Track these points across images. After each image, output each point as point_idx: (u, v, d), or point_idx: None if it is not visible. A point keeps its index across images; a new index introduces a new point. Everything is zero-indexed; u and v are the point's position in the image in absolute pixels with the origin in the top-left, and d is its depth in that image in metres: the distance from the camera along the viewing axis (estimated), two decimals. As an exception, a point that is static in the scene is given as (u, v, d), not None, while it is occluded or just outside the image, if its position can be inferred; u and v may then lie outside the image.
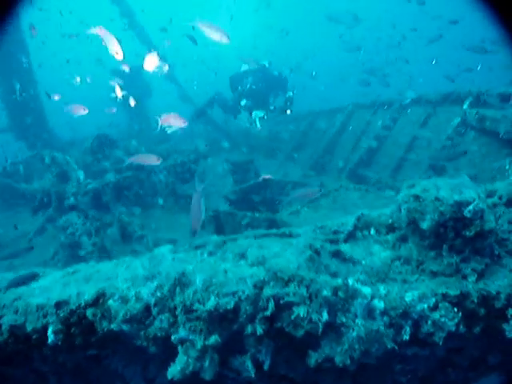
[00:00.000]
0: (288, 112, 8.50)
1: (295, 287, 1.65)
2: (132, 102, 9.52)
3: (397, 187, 7.41)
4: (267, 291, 1.66)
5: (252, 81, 8.28)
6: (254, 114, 8.26)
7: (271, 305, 1.60)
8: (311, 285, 1.67)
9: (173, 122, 5.51)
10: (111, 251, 6.77)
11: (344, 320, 1.70)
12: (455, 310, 2.04)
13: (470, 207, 2.02)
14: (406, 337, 2.03)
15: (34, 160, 9.98)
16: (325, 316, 1.66)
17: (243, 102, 8.31)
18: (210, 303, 1.63)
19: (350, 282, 1.81)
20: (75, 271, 2.16)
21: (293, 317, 1.61)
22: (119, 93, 5.67)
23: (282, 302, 1.65)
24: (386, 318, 1.98)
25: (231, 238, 2.81)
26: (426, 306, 2.06)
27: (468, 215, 2.03)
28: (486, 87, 6.63)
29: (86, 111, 7.05)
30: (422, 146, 7.61)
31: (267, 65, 8.64)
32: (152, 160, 5.82)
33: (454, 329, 2.03)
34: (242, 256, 1.92)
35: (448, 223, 2.09)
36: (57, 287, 2.02)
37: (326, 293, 1.69)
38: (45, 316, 1.87)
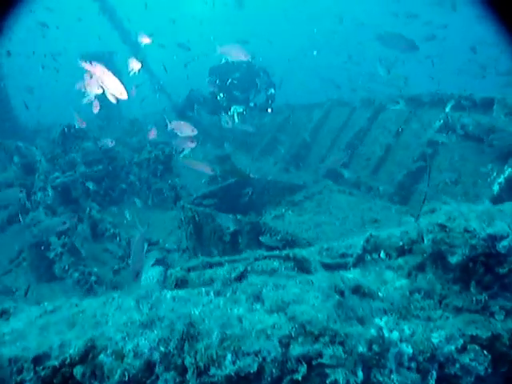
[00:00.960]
0: (269, 110, 8.19)
1: (329, 345, 1.39)
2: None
3: (375, 188, 7.29)
4: (296, 349, 1.39)
5: (234, 75, 7.91)
6: (232, 108, 7.90)
7: (303, 368, 1.34)
8: (346, 341, 1.42)
9: (184, 130, 5.10)
10: (81, 251, 6.34)
11: (380, 378, 1.46)
12: (485, 352, 1.85)
13: (505, 243, 1.82)
14: (432, 382, 1.82)
15: (-4, 150, 9.28)
16: (360, 376, 1.42)
17: (220, 97, 7.93)
18: (229, 366, 1.35)
19: (386, 333, 1.57)
20: (54, 309, 1.81)
21: (328, 381, 1.35)
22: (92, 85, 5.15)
23: (314, 362, 1.39)
24: (413, 364, 1.76)
25: (228, 259, 2.52)
26: (453, 347, 1.85)
27: (502, 251, 1.83)
28: (471, 91, 6.56)
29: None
30: (402, 147, 7.51)
31: (250, 58, 8.30)
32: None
33: (483, 373, 1.84)
34: (257, 298, 1.64)
35: (479, 258, 1.88)
36: (33, 332, 1.68)
37: (361, 349, 1.44)
38: (19, 372, 1.53)
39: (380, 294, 2.09)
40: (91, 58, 12.41)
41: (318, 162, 9.34)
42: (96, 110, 6.16)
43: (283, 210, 5.25)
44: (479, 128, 5.89)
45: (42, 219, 6.32)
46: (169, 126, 5.66)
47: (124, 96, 4.65)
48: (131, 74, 6.21)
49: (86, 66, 4.69)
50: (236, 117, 7.93)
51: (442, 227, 1.97)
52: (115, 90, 4.59)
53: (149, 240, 6.81)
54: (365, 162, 8.04)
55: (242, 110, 7.90)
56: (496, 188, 5.36)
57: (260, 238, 4.90)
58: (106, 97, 5.04)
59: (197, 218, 5.58)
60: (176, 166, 8.99)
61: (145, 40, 7.36)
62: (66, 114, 11.85)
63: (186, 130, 5.40)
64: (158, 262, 6.17)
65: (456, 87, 7.18)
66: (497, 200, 5.29)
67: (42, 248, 6.11)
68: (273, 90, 8.10)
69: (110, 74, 4.62)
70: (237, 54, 6.57)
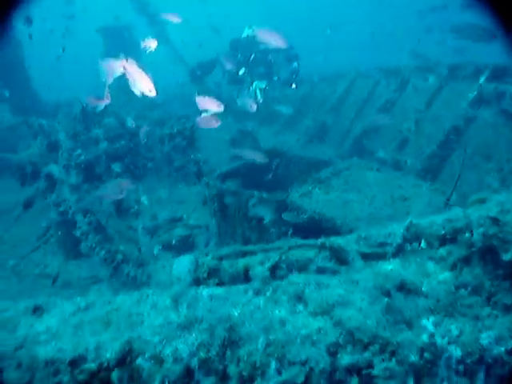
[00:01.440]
0: (293, 86, 7.90)
1: (379, 354, 1.30)
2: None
3: (403, 162, 7.06)
4: (344, 359, 1.30)
5: (257, 48, 7.59)
6: (254, 84, 7.64)
7: (354, 381, 1.25)
8: (398, 350, 1.32)
9: (209, 105, 4.92)
10: (107, 229, 6.36)
11: (432, 388, 1.37)
12: (538, 353, 1.73)
13: None
14: (481, 384, 1.72)
15: (20, 127, 9.32)
16: (411, 386, 1.32)
17: (241, 71, 7.65)
18: (275, 376, 1.27)
19: (437, 339, 1.47)
20: (87, 306, 1.76)
21: (379, 395, 1.27)
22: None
23: (363, 372, 1.30)
24: (461, 367, 1.66)
25: (261, 248, 2.43)
26: (503, 349, 1.74)
27: None
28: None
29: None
30: (432, 119, 7.21)
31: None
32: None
33: (535, 375, 1.73)
34: (299, 299, 1.55)
35: (536, 254, 1.74)
36: (67, 331, 1.63)
37: (413, 358, 1.34)
38: (55, 374, 1.49)
39: (424, 288, 1.98)
40: (109, 32, 12.22)
41: (342, 135, 9.09)
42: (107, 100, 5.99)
43: (310, 188, 5.12)
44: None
45: (66, 197, 6.35)
46: (195, 98, 5.44)
47: (153, 93, 4.55)
48: (147, 51, 6.06)
49: (116, 64, 4.56)
50: (258, 93, 7.68)
51: (495, 221, 1.83)
52: (145, 87, 4.49)
53: (172, 217, 6.81)
54: (393, 135, 7.77)
55: (264, 85, 7.63)
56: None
57: (283, 216, 4.81)
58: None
59: (221, 196, 5.51)
60: (198, 139, 8.88)
61: (174, 19, 7.15)
62: (85, 88, 11.80)
63: (211, 105, 5.18)
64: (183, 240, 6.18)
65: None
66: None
67: (69, 226, 6.17)
68: (296, 64, 7.77)
69: (140, 71, 4.50)
70: (273, 40, 5.90)
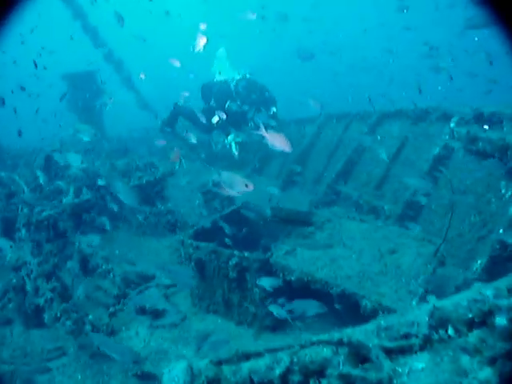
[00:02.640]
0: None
1: None
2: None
3: (380, 208, 6.90)
4: None
5: (232, 95, 7.27)
6: (229, 137, 7.30)
7: None
8: None
9: (236, 186, 4.32)
10: (73, 291, 5.76)
11: None
12: None
13: None
14: None
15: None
16: None
17: (214, 120, 7.31)
18: None
19: None
20: None
21: None
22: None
23: None
24: None
25: (267, 348, 2.05)
26: None
27: None
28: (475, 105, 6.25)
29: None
30: (405, 163, 7.17)
31: (248, 75, 7.59)
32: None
33: None
34: None
35: None
36: None
37: None
38: None
39: (468, 396, 1.66)
40: (74, 78, 11.82)
41: (313, 180, 8.94)
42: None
43: (292, 245, 4.81)
44: (491, 145, 5.55)
45: (27, 259, 5.75)
46: (216, 179, 4.69)
47: (289, 149, 4.49)
48: (196, 50, 5.82)
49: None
50: (234, 147, 7.36)
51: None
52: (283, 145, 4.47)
53: (143, 275, 6.30)
54: (366, 179, 7.67)
55: (240, 139, 7.31)
56: (512, 208, 5.05)
57: (258, 283, 4.45)
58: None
59: (198, 255, 5.10)
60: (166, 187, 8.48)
61: (202, 40, 6.84)
62: (48, 138, 11.22)
63: (239, 186, 4.34)
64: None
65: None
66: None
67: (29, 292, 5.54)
68: (275, 109, 7.50)
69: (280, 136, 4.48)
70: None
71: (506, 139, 5.28)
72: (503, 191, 5.61)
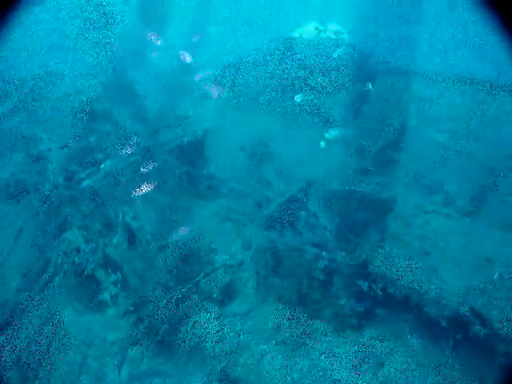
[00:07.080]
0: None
1: None
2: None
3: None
4: None
5: None
6: None
7: None
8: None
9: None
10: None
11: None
12: None
13: None
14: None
15: None
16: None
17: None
18: None
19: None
20: None
21: None
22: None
23: None
24: None
25: None
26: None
27: None
28: None
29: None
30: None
31: None
32: None
33: None
34: None
35: None
36: None
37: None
38: None
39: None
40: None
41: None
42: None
43: (387, 249, 4.34)
44: None
45: (78, 246, 5.11)
46: None
47: None
48: None
49: None
50: None
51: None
52: None
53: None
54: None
55: None
56: None
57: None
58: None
59: (275, 249, 4.61)
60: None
61: None
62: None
63: None
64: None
65: None
66: None
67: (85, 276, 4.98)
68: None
69: None
70: None
71: None
72: None
